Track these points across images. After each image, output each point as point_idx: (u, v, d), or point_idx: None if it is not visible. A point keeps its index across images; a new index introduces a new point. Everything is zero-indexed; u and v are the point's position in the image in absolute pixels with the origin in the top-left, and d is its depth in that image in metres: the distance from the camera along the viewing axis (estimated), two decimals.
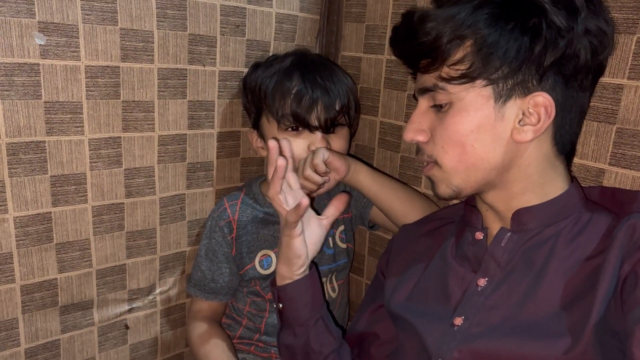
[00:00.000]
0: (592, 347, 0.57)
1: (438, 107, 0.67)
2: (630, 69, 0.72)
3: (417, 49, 0.65)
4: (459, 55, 0.63)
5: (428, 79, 0.67)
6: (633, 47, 0.71)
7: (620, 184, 0.75)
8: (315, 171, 0.89)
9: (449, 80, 0.64)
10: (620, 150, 0.74)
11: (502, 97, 0.63)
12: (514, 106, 0.63)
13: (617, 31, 0.72)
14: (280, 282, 0.81)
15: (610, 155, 0.76)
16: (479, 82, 0.62)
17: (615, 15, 0.72)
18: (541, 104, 0.62)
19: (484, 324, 0.66)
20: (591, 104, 0.76)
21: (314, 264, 0.86)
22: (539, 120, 0.62)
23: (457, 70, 0.63)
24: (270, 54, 1.09)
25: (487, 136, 0.64)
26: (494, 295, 0.67)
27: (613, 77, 0.74)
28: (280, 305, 0.81)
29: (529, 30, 0.60)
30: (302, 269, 0.81)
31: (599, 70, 0.66)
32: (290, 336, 0.81)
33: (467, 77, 0.62)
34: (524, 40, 0.60)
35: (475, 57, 0.62)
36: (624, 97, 0.73)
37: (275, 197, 0.75)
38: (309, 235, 0.81)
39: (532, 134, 0.63)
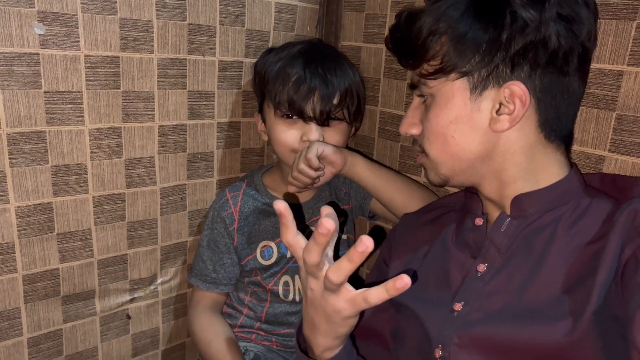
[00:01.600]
0: (592, 332, 0.57)
1: (424, 101, 0.71)
2: (630, 55, 0.72)
3: (404, 46, 0.70)
4: (435, 50, 0.66)
5: (414, 75, 0.71)
6: (633, 33, 0.71)
7: (620, 171, 0.75)
8: (309, 165, 0.89)
9: (426, 76, 0.67)
10: (620, 137, 0.74)
11: (477, 88, 0.65)
12: (489, 96, 0.65)
13: (617, 17, 0.72)
14: (325, 355, 0.67)
15: (610, 142, 0.76)
16: (453, 76, 0.65)
17: (615, 1, 0.72)
18: (516, 93, 0.63)
19: (483, 309, 0.66)
20: (591, 90, 0.76)
21: None
22: (514, 109, 0.63)
23: (432, 65, 0.66)
24: (270, 44, 1.09)
25: (465, 127, 0.66)
26: (494, 280, 0.67)
27: (613, 64, 0.74)
28: None
29: (496, 21, 0.62)
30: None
31: (584, 52, 0.66)
32: None
33: (441, 72, 0.66)
34: (490, 31, 0.62)
35: (448, 51, 0.65)
36: (624, 84, 0.73)
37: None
38: None
39: (508, 123, 0.64)
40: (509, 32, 0.62)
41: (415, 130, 0.73)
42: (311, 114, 0.93)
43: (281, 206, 0.57)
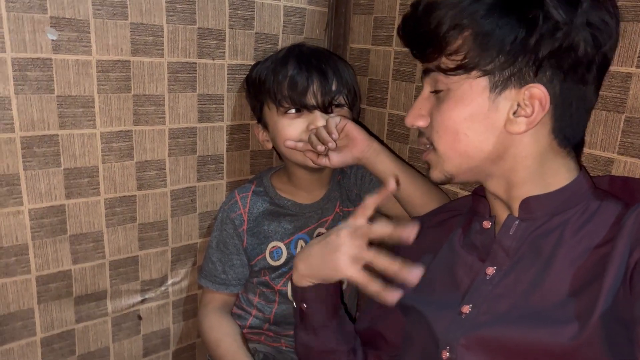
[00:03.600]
0: (599, 335, 0.57)
1: (436, 93, 0.68)
2: (638, 57, 0.71)
3: (420, 37, 0.67)
4: (456, 45, 0.63)
5: (430, 65, 0.68)
6: None
7: (629, 173, 0.75)
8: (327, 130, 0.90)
9: (446, 70, 0.65)
10: (629, 139, 0.74)
11: (497, 88, 0.63)
12: (509, 97, 0.63)
13: (625, 19, 0.72)
14: (301, 282, 0.79)
15: (619, 145, 0.75)
16: (474, 73, 0.63)
17: (624, 3, 0.72)
18: (536, 96, 0.62)
19: (491, 312, 0.66)
20: (600, 92, 0.75)
21: None
22: (532, 112, 0.62)
23: (454, 60, 0.64)
24: (279, 47, 1.10)
25: (480, 125, 0.64)
26: (502, 283, 0.67)
27: (621, 66, 0.73)
28: (305, 306, 0.80)
29: (526, 22, 0.60)
30: None
31: (604, 63, 0.65)
32: (310, 335, 0.81)
33: (462, 68, 0.63)
34: (519, 31, 0.60)
35: (471, 47, 0.62)
36: (633, 86, 0.72)
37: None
38: None
39: (525, 125, 0.63)
40: (539, 34, 0.59)
41: (422, 122, 0.71)
42: (314, 102, 0.94)
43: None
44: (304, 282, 0.78)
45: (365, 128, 0.96)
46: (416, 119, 0.71)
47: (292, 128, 0.95)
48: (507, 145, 0.65)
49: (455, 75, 0.64)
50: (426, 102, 0.70)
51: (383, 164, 0.93)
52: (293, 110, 0.95)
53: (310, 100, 0.94)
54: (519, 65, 0.61)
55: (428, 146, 0.71)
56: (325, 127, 0.90)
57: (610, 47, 0.64)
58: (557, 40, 0.59)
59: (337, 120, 0.91)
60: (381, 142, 0.97)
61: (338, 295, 0.81)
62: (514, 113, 0.63)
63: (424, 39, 0.66)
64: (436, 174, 0.71)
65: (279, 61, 0.97)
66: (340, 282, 0.82)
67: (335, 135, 0.88)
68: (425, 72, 0.70)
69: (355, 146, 0.92)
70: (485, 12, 0.61)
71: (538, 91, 0.61)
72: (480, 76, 0.63)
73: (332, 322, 0.80)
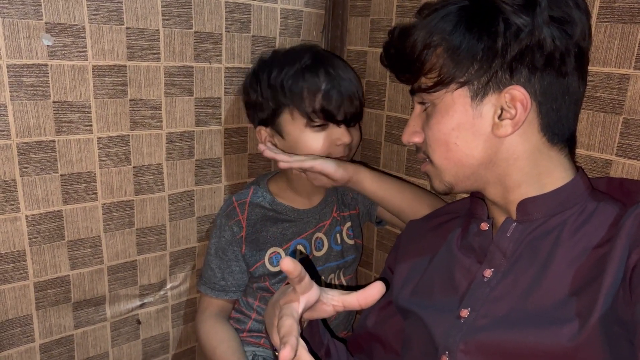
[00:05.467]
0: (598, 336, 0.57)
1: (425, 108, 0.71)
2: (636, 59, 0.71)
3: (399, 62, 0.71)
4: (431, 63, 0.67)
5: (413, 85, 0.72)
6: (639, 36, 0.71)
7: (627, 175, 0.75)
8: (300, 166, 0.92)
9: (426, 89, 0.68)
10: (627, 141, 0.74)
11: (478, 95, 0.65)
12: (490, 102, 0.65)
13: (623, 21, 0.72)
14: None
15: (617, 146, 0.75)
16: (452, 86, 0.66)
17: (620, 4, 0.72)
18: (516, 98, 0.63)
19: (490, 315, 0.66)
20: (597, 94, 0.75)
21: None
22: (516, 114, 0.64)
23: (431, 78, 0.67)
24: (277, 47, 1.09)
25: (468, 133, 0.67)
26: (500, 285, 0.67)
27: (619, 68, 0.73)
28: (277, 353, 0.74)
29: (490, 30, 0.63)
30: None
31: (580, 52, 0.66)
32: None
33: (440, 84, 0.66)
34: (486, 40, 0.63)
35: (445, 63, 0.65)
36: (630, 87, 0.72)
37: None
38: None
39: (511, 127, 0.64)
40: (503, 39, 0.62)
41: (417, 139, 0.73)
42: (343, 118, 0.95)
43: (287, 266, 0.57)
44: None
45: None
46: (411, 136, 0.74)
47: (318, 142, 0.95)
48: (497, 148, 0.66)
49: (434, 92, 0.67)
50: (418, 119, 0.73)
51: (365, 190, 0.96)
52: (320, 124, 0.95)
53: (341, 115, 0.95)
54: (493, 71, 0.64)
55: (425, 159, 0.73)
56: (301, 164, 0.91)
57: (581, 35, 0.65)
58: (522, 41, 0.62)
59: (307, 165, 0.91)
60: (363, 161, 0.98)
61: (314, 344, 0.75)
62: (499, 117, 0.65)
63: (402, 64, 0.71)
64: (437, 184, 0.73)
65: (307, 70, 0.95)
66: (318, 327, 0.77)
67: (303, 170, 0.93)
68: (412, 92, 0.73)
69: (334, 181, 0.94)
70: (452, 28, 0.65)
71: (517, 92, 0.63)
72: (458, 87, 0.66)
73: None
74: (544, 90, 0.64)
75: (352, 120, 0.97)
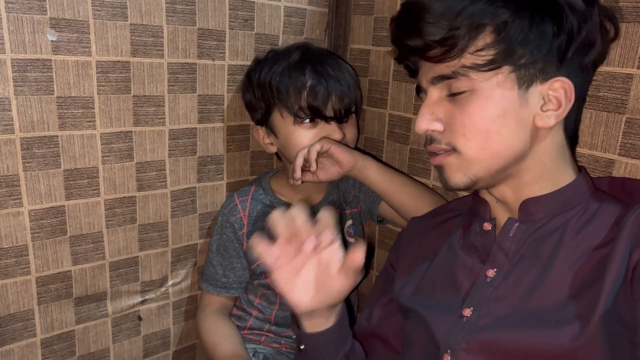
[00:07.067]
0: (599, 336, 0.57)
1: (453, 95, 0.65)
2: (639, 58, 0.71)
3: (428, 40, 0.63)
4: (481, 42, 0.62)
5: (444, 67, 0.64)
6: None
7: (630, 175, 0.74)
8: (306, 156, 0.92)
9: (474, 67, 0.62)
10: (630, 141, 0.74)
11: (524, 83, 0.62)
12: (535, 92, 0.63)
13: (626, 20, 0.72)
14: (301, 325, 0.75)
15: (620, 146, 0.75)
16: (505, 69, 0.62)
17: (624, 3, 0.71)
18: (561, 88, 0.62)
19: (492, 315, 0.66)
20: (600, 93, 0.75)
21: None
22: (559, 106, 0.62)
23: (483, 57, 0.61)
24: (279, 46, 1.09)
25: (512, 122, 0.63)
26: (502, 285, 0.67)
27: (622, 67, 0.73)
28: (302, 347, 0.76)
29: (553, 17, 0.60)
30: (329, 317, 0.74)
31: (599, 59, 0.67)
32: None
33: (494, 64, 0.61)
34: (547, 27, 0.60)
35: (499, 44, 0.61)
36: (634, 87, 0.72)
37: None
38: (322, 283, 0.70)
39: (555, 119, 0.63)
40: (567, 30, 0.60)
41: (439, 127, 0.66)
42: (332, 114, 0.95)
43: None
44: (305, 322, 0.74)
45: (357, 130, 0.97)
46: (431, 124, 0.67)
47: (309, 139, 0.95)
48: (534, 141, 0.65)
49: (486, 71, 0.62)
50: (438, 106, 0.67)
51: (369, 179, 0.95)
52: (308, 120, 0.95)
53: (330, 111, 0.94)
54: (546, 60, 0.61)
55: (440, 152, 0.67)
56: (309, 152, 0.91)
57: (611, 40, 0.66)
58: (582, 35, 0.60)
59: (319, 147, 0.91)
60: (368, 154, 0.99)
61: (341, 336, 0.77)
62: (542, 107, 0.63)
63: (433, 41, 0.62)
64: (459, 178, 0.67)
65: (293, 67, 0.95)
66: (349, 319, 0.79)
67: (314, 168, 0.91)
68: (436, 79, 0.66)
69: (342, 167, 0.93)
70: (508, 8, 0.60)
71: (563, 83, 0.62)
72: (510, 72, 0.62)
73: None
74: (578, 86, 0.63)
75: (343, 116, 0.96)
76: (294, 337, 0.78)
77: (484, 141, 0.64)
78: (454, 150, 0.66)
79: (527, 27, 0.60)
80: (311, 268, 0.68)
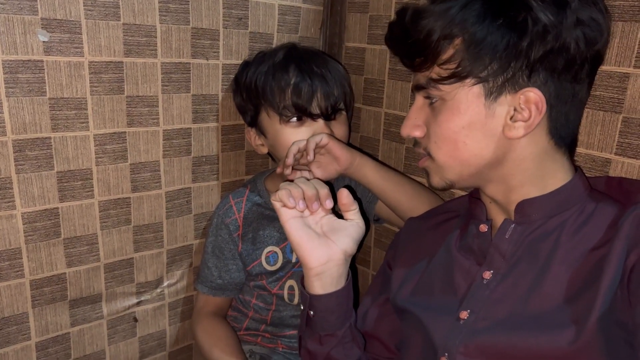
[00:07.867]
0: (597, 338, 0.57)
1: (432, 103, 0.68)
2: (636, 57, 0.71)
3: (410, 47, 0.66)
4: (448, 53, 0.63)
5: (421, 77, 0.67)
6: (639, 35, 0.70)
7: (626, 174, 0.74)
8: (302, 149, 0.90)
9: (439, 80, 0.64)
10: (626, 140, 0.74)
11: (492, 94, 0.62)
12: (504, 102, 0.63)
13: (623, 19, 0.71)
14: (311, 288, 0.77)
15: (617, 145, 0.75)
16: (469, 81, 0.63)
17: (621, 2, 0.71)
18: (532, 100, 0.61)
19: (489, 317, 0.66)
20: (597, 93, 0.75)
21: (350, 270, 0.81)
22: (530, 116, 0.62)
23: (447, 69, 0.63)
24: (274, 46, 1.09)
25: (479, 133, 0.64)
26: (500, 288, 0.67)
27: (619, 66, 0.73)
28: (311, 313, 0.78)
29: (516, 26, 0.60)
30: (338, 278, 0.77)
31: (597, 60, 0.65)
32: (316, 343, 0.80)
33: (456, 77, 0.63)
34: (511, 37, 0.60)
35: (464, 55, 0.62)
36: (630, 86, 0.72)
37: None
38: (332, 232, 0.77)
39: (524, 130, 0.62)
40: (529, 38, 0.59)
41: (418, 133, 0.70)
42: (318, 112, 0.94)
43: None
44: (316, 283, 0.76)
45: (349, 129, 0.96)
46: (412, 130, 0.70)
47: (295, 138, 0.94)
48: (506, 150, 0.65)
49: (448, 84, 0.64)
50: (420, 112, 0.70)
51: (366, 177, 0.94)
52: (295, 119, 0.94)
53: (315, 109, 0.94)
54: (512, 71, 0.61)
55: (425, 155, 0.70)
56: (306, 146, 0.90)
57: (602, 43, 0.63)
58: (548, 42, 0.59)
59: (319, 139, 0.90)
60: (365, 152, 0.98)
61: (349, 301, 0.80)
62: (511, 118, 0.63)
63: (413, 49, 0.66)
64: (437, 181, 0.71)
65: (277, 66, 0.95)
66: (355, 287, 0.81)
67: (311, 157, 0.89)
68: (416, 87, 0.69)
69: (339, 164, 0.92)
70: (475, 19, 0.61)
71: (534, 95, 0.61)
72: (474, 84, 0.63)
73: (339, 332, 0.78)
74: (558, 94, 0.62)
75: (330, 114, 0.96)
76: (301, 307, 0.80)
77: (452, 150, 0.66)
78: (429, 155, 0.69)
79: (488, 40, 0.60)
80: (318, 226, 0.77)
